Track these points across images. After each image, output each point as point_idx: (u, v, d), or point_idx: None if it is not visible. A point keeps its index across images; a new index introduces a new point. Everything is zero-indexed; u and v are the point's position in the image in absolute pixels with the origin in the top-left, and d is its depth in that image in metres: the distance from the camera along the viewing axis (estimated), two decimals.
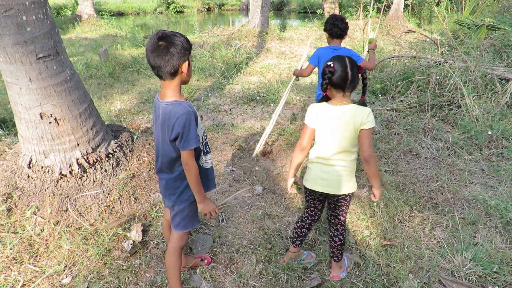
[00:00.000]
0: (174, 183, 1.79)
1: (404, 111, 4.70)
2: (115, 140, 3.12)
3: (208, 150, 1.86)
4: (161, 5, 26.01)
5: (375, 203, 2.94)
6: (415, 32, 11.00)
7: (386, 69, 6.13)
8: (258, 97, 5.33)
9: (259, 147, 3.69)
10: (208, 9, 31.36)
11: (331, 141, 1.85)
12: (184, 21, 23.46)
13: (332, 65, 1.78)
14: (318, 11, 15.19)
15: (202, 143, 1.79)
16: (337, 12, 14.52)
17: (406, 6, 13.75)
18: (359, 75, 1.82)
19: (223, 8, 33.24)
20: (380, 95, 5.40)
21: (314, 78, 6.50)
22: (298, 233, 2.29)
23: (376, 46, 3.04)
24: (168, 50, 1.54)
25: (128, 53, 8.33)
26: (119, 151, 3.06)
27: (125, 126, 3.82)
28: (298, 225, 2.29)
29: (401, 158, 3.68)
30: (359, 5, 11.80)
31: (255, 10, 10.88)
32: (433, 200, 3.03)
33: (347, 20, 2.91)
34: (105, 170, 2.88)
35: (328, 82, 1.80)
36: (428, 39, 9.00)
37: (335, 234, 2.18)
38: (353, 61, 1.79)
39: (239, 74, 6.81)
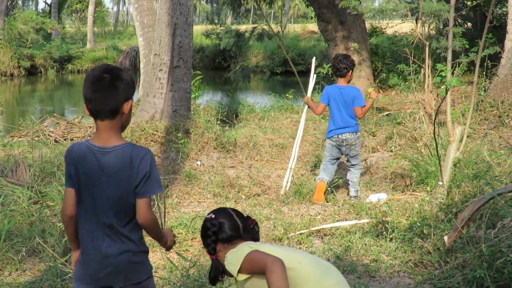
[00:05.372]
0: (137, 252, 3.02)
1: None
2: None
3: None
4: None
5: None
6: None
7: (505, 221, 5.70)
8: None
9: (286, 184, 7.99)
10: (31, 72, 30.10)
11: None
12: None
13: (213, 217, 3.34)
14: (323, 70, 13.98)
15: None
16: (368, 71, 17.21)
17: None
18: (250, 226, 3.56)
19: (69, 67, 32.30)
20: None
21: None
22: None
23: (375, 95, 7.71)
24: (112, 83, 2.88)
25: None
26: None
27: None
28: None
29: None
30: (424, 59, 11.55)
31: (155, 74, 10.39)
32: None
33: (350, 59, 7.47)
34: None
35: (214, 240, 3.25)
36: None
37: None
38: (238, 212, 3.50)
39: None
